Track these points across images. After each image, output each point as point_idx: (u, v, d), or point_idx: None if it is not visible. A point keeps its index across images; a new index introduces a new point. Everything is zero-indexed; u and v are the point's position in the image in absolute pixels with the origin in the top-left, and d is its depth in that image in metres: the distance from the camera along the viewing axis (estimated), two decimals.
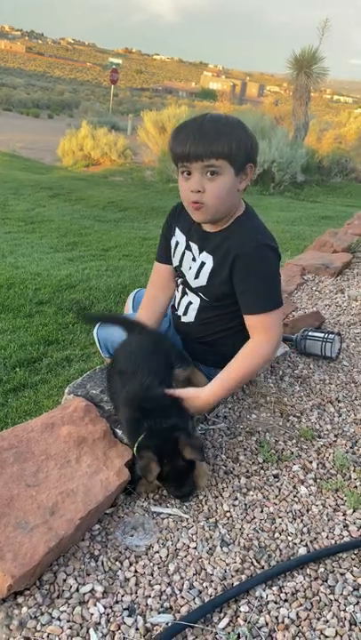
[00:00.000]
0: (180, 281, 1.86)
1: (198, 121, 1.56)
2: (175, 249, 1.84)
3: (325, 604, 1.25)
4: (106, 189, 10.86)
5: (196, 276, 1.74)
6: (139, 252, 5.91)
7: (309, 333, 2.41)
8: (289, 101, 16.71)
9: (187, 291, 1.83)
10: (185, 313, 1.85)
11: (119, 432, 1.66)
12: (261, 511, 1.52)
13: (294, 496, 1.60)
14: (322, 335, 2.38)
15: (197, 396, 1.63)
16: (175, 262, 1.85)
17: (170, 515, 1.48)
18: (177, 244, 1.83)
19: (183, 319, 1.86)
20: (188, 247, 1.79)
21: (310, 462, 1.74)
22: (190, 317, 1.83)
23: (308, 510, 1.54)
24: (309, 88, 13.37)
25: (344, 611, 1.24)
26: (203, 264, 1.72)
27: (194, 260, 1.76)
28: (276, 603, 1.25)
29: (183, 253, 1.80)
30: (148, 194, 10.66)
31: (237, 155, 1.53)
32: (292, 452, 1.78)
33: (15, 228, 6.90)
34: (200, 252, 1.74)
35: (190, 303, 1.82)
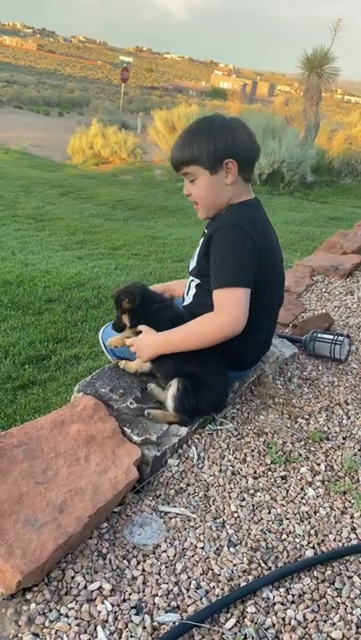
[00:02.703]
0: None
1: (181, 133, 1.79)
2: None
3: (332, 607, 1.26)
4: (115, 188, 10.88)
5: (193, 258, 1.91)
6: (147, 251, 5.92)
7: (318, 335, 2.41)
8: (299, 101, 16.66)
9: (189, 276, 1.96)
10: (187, 294, 1.96)
11: (128, 431, 1.66)
12: (269, 512, 1.53)
13: (302, 498, 1.60)
14: (331, 337, 2.38)
15: (141, 338, 1.81)
16: None
17: (177, 514, 1.49)
18: None
19: (185, 303, 1.97)
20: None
21: (318, 464, 1.74)
22: (188, 300, 1.94)
23: (315, 512, 1.54)
24: (321, 88, 13.31)
25: (351, 614, 1.24)
26: (199, 247, 1.87)
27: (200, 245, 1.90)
28: (282, 604, 1.25)
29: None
30: (157, 193, 10.67)
31: (201, 156, 1.70)
32: (300, 454, 1.78)
33: (25, 226, 6.93)
34: (202, 237, 1.89)
35: (189, 288, 1.94)
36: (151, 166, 14.17)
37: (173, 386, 1.74)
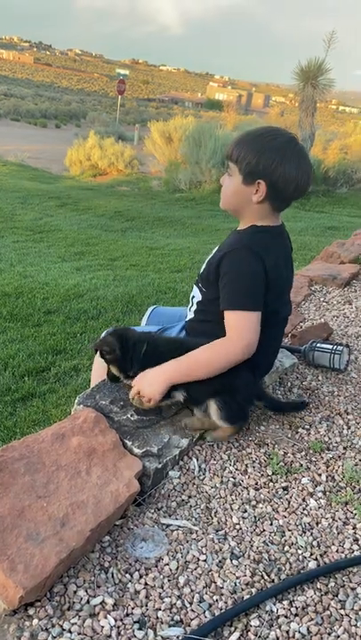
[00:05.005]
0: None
1: (248, 130, 1.80)
2: None
3: (336, 619, 1.25)
4: (113, 199, 10.93)
5: (204, 263, 1.91)
6: (145, 262, 5.94)
7: (317, 345, 2.42)
8: (294, 112, 16.81)
9: (194, 286, 1.95)
10: (190, 309, 1.97)
11: (129, 443, 1.66)
12: (271, 524, 1.52)
13: (304, 509, 1.59)
14: (330, 347, 2.38)
15: (147, 371, 1.72)
16: None
17: (179, 527, 1.48)
18: None
19: (189, 316, 1.97)
20: None
21: (319, 475, 1.74)
22: (191, 315, 1.95)
23: (317, 523, 1.54)
24: (315, 99, 13.43)
25: (355, 626, 1.23)
26: (211, 254, 1.89)
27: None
28: (286, 617, 1.24)
29: None
30: (154, 204, 10.72)
31: (242, 163, 1.70)
32: (302, 465, 1.78)
33: (23, 238, 6.96)
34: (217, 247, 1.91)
35: (193, 297, 1.94)
36: (148, 177, 14.26)
37: (213, 407, 1.73)
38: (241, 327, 1.66)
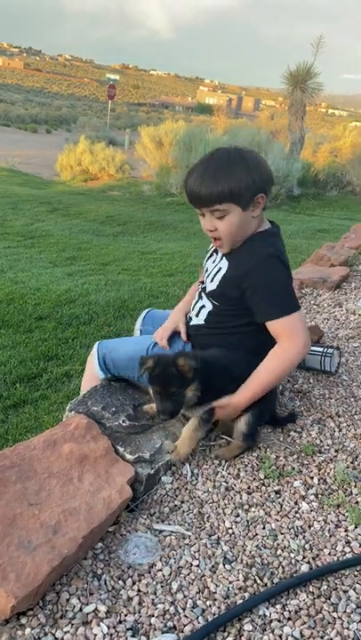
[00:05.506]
0: (200, 286, 1.97)
1: (205, 164, 1.68)
2: (208, 252, 1.99)
3: (329, 622, 1.25)
4: (104, 204, 10.93)
5: (212, 280, 1.85)
6: (137, 266, 5.94)
7: None
8: (284, 115, 16.90)
9: (202, 295, 1.93)
10: (197, 315, 1.93)
11: (121, 449, 1.66)
12: (263, 528, 1.53)
13: (296, 512, 1.60)
14: (321, 349, 2.40)
15: (228, 403, 1.73)
16: (204, 263, 1.98)
17: (172, 532, 1.48)
18: (210, 248, 1.97)
19: (194, 321, 1.95)
20: (215, 250, 1.92)
21: (311, 478, 1.75)
22: (201, 320, 1.91)
23: (309, 526, 1.55)
24: (305, 103, 13.53)
25: (348, 628, 1.24)
26: (220, 269, 1.83)
27: (214, 261, 1.89)
28: (279, 621, 1.25)
29: (210, 255, 1.95)
30: (146, 208, 10.73)
31: (239, 194, 1.65)
32: (293, 468, 1.78)
33: (14, 243, 6.93)
34: (221, 259, 1.85)
35: (203, 307, 1.91)
36: (139, 182, 14.26)
37: (243, 420, 1.78)
38: (296, 329, 1.71)
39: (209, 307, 1.89)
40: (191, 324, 1.97)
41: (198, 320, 1.93)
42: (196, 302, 1.96)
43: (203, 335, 1.92)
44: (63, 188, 13.60)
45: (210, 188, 1.64)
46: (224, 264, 1.82)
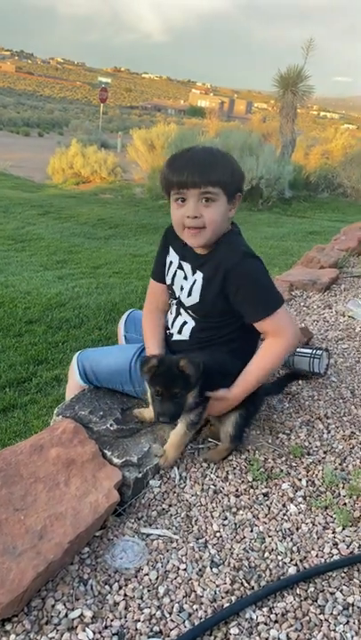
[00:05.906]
0: (174, 302, 1.89)
1: (192, 151, 1.68)
2: (169, 268, 1.90)
3: (315, 625, 1.25)
4: (96, 207, 10.91)
5: (189, 294, 1.79)
6: (129, 269, 5.93)
7: (297, 349, 2.43)
8: (276, 118, 16.96)
9: (181, 311, 1.86)
10: (180, 332, 1.86)
11: (108, 453, 1.65)
12: (251, 530, 1.52)
13: (284, 514, 1.60)
14: (310, 351, 2.40)
15: (224, 396, 1.73)
16: (168, 281, 1.91)
17: (159, 536, 1.48)
18: (170, 263, 1.89)
19: (177, 337, 1.88)
20: (180, 267, 1.84)
21: (300, 480, 1.75)
22: (185, 336, 1.85)
23: (297, 529, 1.55)
24: (296, 106, 13.60)
25: (334, 630, 1.24)
26: (195, 282, 1.77)
27: (185, 278, 1.81)
28: (266, 624, 1.24)
29: (175, 273, 1.86)
30: (138, 211, 10.73)
31: (231, 183, 1.66)
32: (282, 470, 1.78)
33: (5, 247, 6.91)
34: (193, 272, 1.79)
35: (185, 323, 1.85)
36: (131, 185, 14.26)
37: (231, 420, 1.78)
38: (284, 322, 1.72)
39: (191, 323, 1.82)
40: (173, 339, 1.89)
41: (181, 336, 1.86)
42: (175, 318, 1.88)
43: (187, 350, 1.85)
44: (55, 192, 13.57)
45: (204, 168, 1.61)
46: (198, 275, 1.76)
